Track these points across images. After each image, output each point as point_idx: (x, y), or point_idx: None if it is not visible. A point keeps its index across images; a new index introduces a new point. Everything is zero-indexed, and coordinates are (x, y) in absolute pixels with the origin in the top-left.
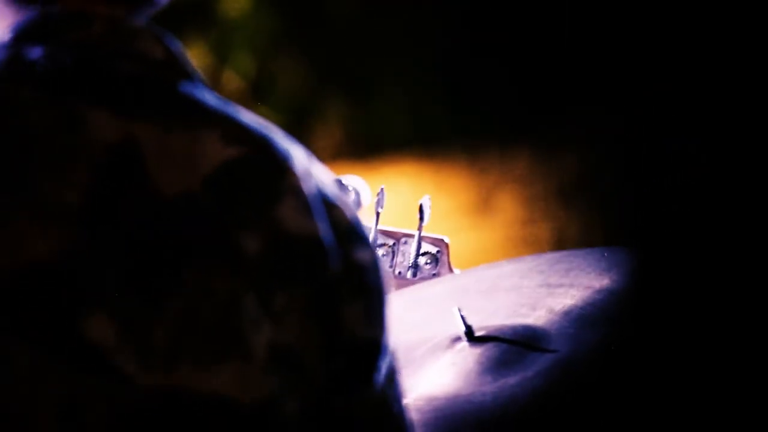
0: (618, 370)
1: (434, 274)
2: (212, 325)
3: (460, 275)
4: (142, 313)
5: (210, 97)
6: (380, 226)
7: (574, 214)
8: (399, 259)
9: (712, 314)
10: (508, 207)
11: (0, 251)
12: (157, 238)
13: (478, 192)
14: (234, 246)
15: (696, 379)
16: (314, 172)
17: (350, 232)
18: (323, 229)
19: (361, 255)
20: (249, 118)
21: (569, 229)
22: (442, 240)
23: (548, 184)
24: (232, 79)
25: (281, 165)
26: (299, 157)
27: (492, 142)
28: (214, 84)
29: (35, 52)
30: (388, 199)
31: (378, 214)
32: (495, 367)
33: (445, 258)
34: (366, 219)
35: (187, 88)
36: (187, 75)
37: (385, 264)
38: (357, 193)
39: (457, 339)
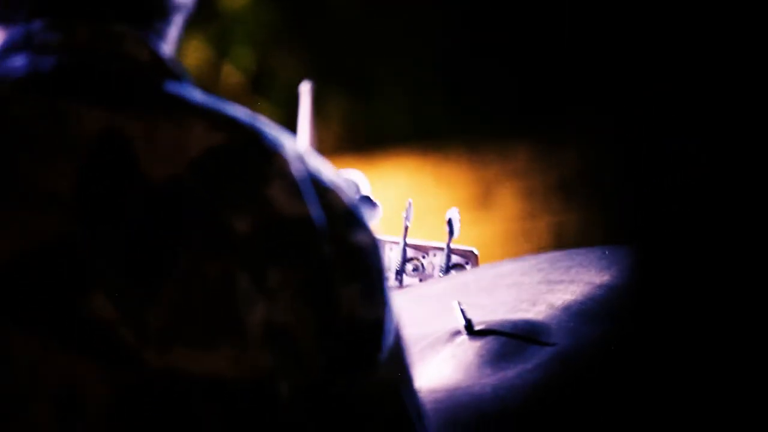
0: (617, 364)
1: None
2: (206, 305)
3: (460, 274)
4: (137, 294)
5: (197, 95)
6: (409, 240)
7: (573, 209)
8: (428, 271)
9: (712, 310)
10: (508, 201)
11: None
12: (148, 221)
13: (477, 186)
14: (224, 226)
15: (695, 375)
16: (307, 159)
17: (347, 216)
18: (314, 211)
19: (360, 237)
20: (237, 110)
21: (568, 224)
22: (472, 252)
23: (548, 179)
24: (231, 73)
25: (268, 150)
26: (289, 144)
27: (491, 136)
28: (213, 78)
29: (19, 60)
30: (388, 194)
31: (406, 228)
32: (495, 360)
33: None
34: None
35: (174, 86)
36: (174, 75)
37: (414, 278)
38: (357, 188)
39: (457, 333)
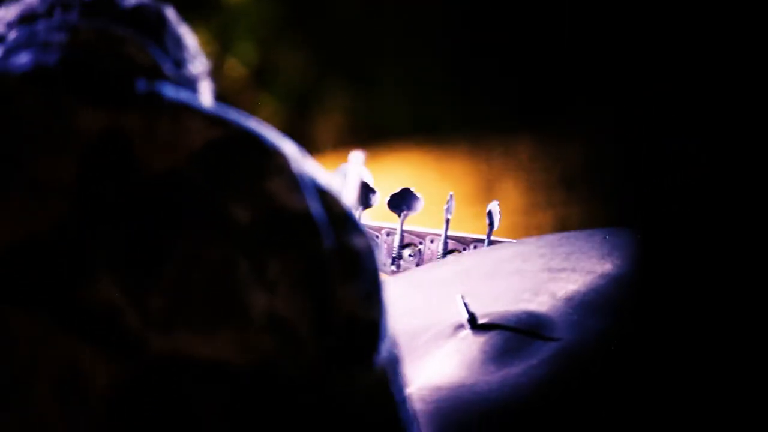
0: (622, 360)
1: None
2: (207, 290)
3: (461, 257)
4: (138, 279)
5: (194, 98)
6: (450, 232)
7: (576, 202)
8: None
9: (714, 307)
10: (511, 195)
11: (0, 225)
12: (147, 208)
13: (480, 180)
14: (224, 214)
15: (699, 371)
16: (305, 162)
17: (344, 219)
18: (314, 206)
19: (357, 241)
20: (237, 114)
21: (572, 217)
22: (511, 243)
23: (551, 173)
24: (235, 68)
25: (267, 147)
26: (288, 146)
27: (494, 130)
28: (216, 72)
29: (24, 56)
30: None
31: (447, 220)
32: (499, 355)
33: None
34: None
35: (172, 89)
36: (172, 80)
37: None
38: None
39: (460, 327)
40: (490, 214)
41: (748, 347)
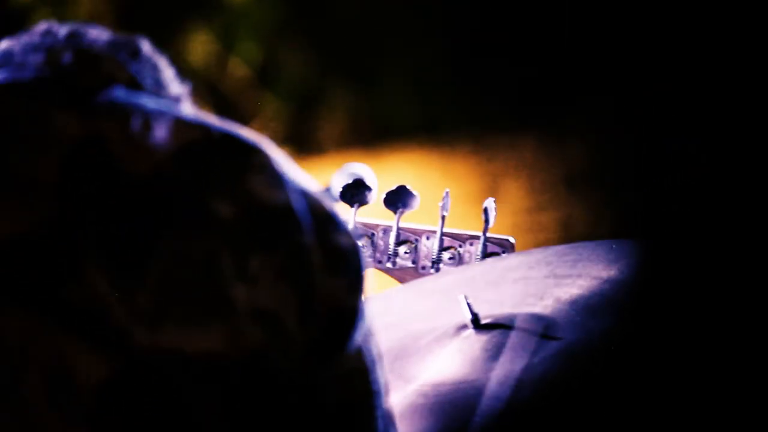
0: (624, 359)
1: None
2: (193, 284)
3: (467, 267)
4: (125, 274)
5: (175, 106)
6: (446, 229)
7: (580, 202)
8: (466, 260)
9: (716, 308)
10: (515, 195)
11: None
12: (132, 208)
13: (484, 180)
14: (206, 209)
15: (701, 371)
16: (287, 163)
17: (328, 219)
18: (296, 201)
19: (340, 238)
20: (216, 120)
21: (576, 217)
22: (508, 240)
23: (555, 172)
24: (237, 67)
25: (248, 145)
26: (270, 147)
27: (498, 130)
28: (219, 71)
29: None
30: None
31: (443, 217)
32: (501, 354)
33: None
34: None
35: (152, 100)
36: (153, 93)
37: (453, 266)
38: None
39: (463, 326)
40: (485, 211)
41: (749, 347)
